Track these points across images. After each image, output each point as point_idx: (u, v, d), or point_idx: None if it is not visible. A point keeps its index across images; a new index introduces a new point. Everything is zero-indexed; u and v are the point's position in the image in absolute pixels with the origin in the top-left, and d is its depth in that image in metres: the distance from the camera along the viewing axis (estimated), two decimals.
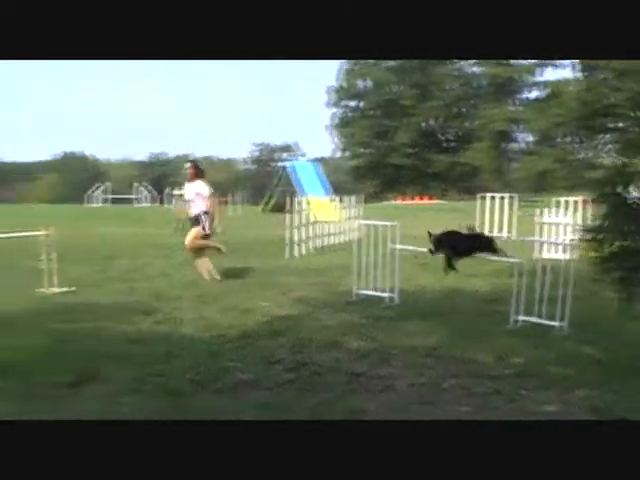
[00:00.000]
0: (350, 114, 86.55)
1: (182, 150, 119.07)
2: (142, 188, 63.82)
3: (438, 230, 10.42)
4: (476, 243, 10.50)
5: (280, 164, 58.46)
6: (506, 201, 24.15)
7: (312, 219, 21.06)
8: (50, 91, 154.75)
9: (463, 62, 77.79)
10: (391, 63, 77.34)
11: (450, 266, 10.33)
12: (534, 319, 9.61)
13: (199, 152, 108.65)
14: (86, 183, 71.86)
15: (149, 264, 16.33)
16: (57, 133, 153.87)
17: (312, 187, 37.67)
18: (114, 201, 60.66)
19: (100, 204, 58.44)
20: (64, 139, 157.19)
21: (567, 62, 62.05)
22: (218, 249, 14.41)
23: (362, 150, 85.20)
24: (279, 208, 36.30)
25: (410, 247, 11.57)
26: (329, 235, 22.08)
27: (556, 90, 69.43)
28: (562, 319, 9.31)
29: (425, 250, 10.62)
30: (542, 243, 13.40)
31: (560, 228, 16.13)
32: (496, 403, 6.58)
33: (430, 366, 7.75)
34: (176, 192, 33.80)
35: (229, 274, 14.33)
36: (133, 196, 62.69)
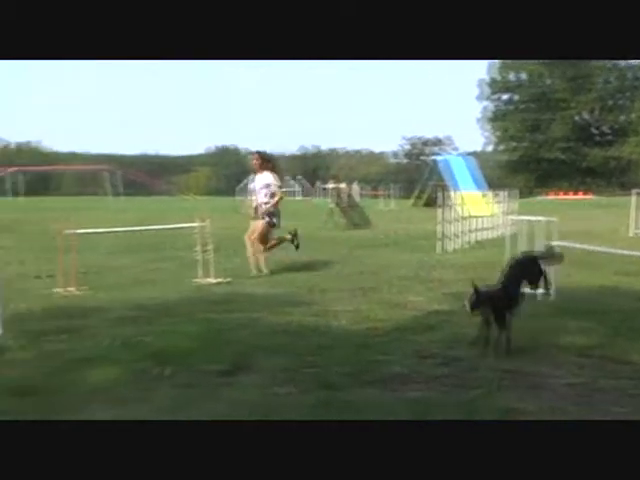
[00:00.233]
0: (503, 107, 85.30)
1: (334, 143, 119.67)
2: (293, 182, 64.54)
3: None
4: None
5: (431, 158, 58.07)
6: None
7: (464, 214, 20.87)
8: (207, 87, 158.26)
9: None
10: None
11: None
12: None
13: (351, 145, 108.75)
14: (239, 176, 73.27)
15: (301, 257, 16.48)
16: (211, 127, 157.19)
17: (464, 181, 37.31)
18: None
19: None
20: (218, 133, 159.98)
21: None
22: (283, 240, 14.82)
23: (515, 144, 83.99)
24: (430, 202, 36.13)
25: (567, 243, 11.27)
26: (482, 230, 21.84)
27: None
28: None
29: (583, 247, 10.31)
30: None
31: None
32: None
33: (585, 365, 7.54)
34: (330, 185, 34.00)
35: (381, 268, 14.34)
36: (285, 189, 63.54)
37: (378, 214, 34.31)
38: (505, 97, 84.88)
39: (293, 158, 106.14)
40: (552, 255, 9.60)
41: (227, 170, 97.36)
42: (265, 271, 14.01)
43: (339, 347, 8.08)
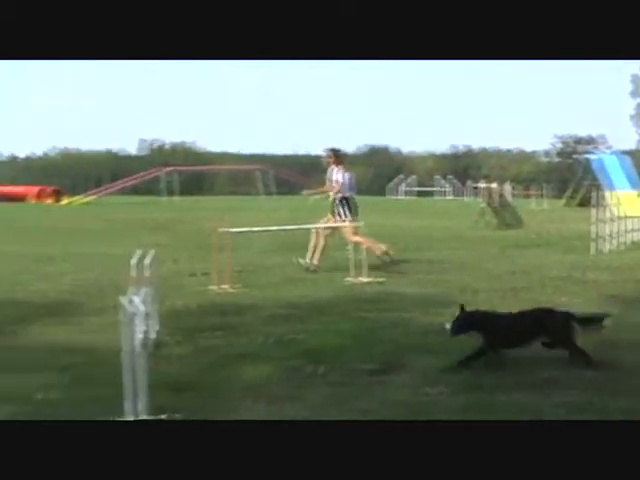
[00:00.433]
0: None
1: (485, 142, 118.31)
2: (444, 181, 64.17)
3: None
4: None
5: (583, 156, 56.72)
6: None
7: (620, 214, 20.31)
8: (358, 87, 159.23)
9: None
10: None
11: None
12: None
13: (503, 144, 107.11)
14: (390, 175, 73.37)
15: (452, 256, 16.39)
16: (361, 126, 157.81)
17: (619, 180, 36.24)
18: (418, 194, 61.41)
19: (403, 196, 59.27)
20: (368, 132, 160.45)
21: None
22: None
23: None
24: (584, 202, 35.31)
25: None
26: (638, 231, 21.21)
27: None
28: None
29: None
30: None
31: None
32: None
33: None
34: (481, 185, 33.69)
35: (533, 268, 14.11)
36: (436, 188, 63.17)
37: (530, 214, 33.70)
38: None
39: (444, 157, 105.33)
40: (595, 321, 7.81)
41: (377, 169, 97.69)
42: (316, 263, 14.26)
43: None
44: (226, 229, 12.89)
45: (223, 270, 12.00)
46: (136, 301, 5.25)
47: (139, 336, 4.95)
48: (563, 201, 48.79)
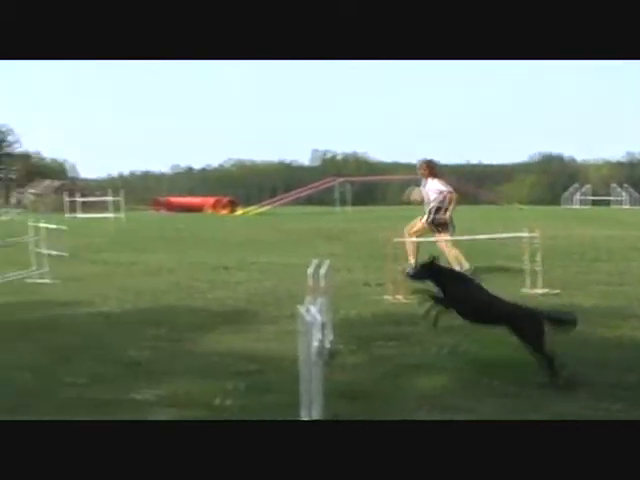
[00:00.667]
0: None
1: None
2: (619, 189, 62.32)
3: None
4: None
5: None
6: None
7: None
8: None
9: None
10: None
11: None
12: None
13: None
14: (564, 184, 71.79)
15: (631, 267, 15.87)
16: (534, 134, 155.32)
17: None
18: (593, 202, 59.84)
19: (578, 205, 57.84)
20: (541, 140, 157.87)
21: None
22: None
23: None
24: None
25: None
26: None
27: None
28: None
29: None
30: None
31: None
32: None
33: None
34: None
35: None
36: (611, 197, 61.41)
37: None
38: None
39: (619, 165, 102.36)
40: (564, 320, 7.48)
41: (551, 178, 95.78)
42: (466, 265, 14.41)
43: None
44: (401, 239, 12.92)
45: (397, 280, 12.02)
46: (313, 311, 5.33)
47: (315, 345, 5.03)
48: None
